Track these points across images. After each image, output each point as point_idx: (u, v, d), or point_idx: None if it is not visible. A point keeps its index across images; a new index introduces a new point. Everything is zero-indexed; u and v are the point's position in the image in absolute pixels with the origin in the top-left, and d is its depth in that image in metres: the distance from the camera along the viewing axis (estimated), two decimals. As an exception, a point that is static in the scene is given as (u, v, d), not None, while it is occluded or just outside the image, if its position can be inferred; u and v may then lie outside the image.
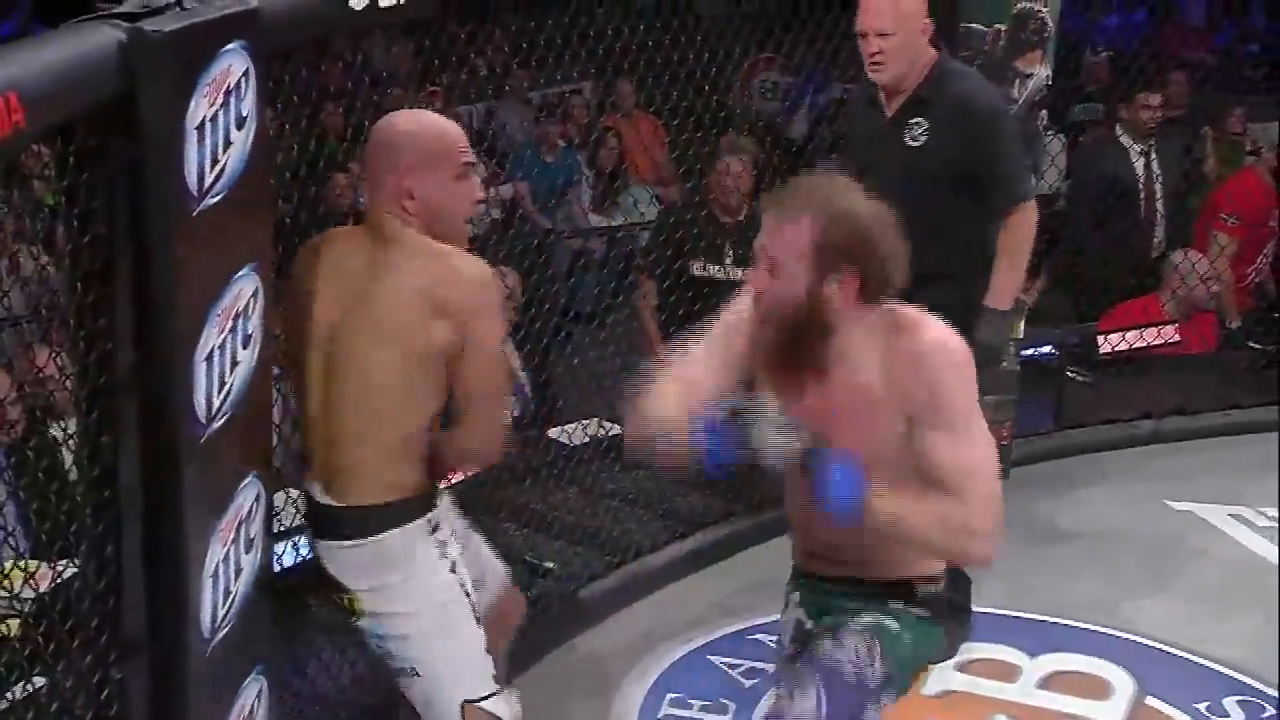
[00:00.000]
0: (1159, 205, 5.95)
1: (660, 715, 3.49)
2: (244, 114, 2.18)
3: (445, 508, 2.64)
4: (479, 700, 2.56)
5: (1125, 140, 5.93)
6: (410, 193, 2.46)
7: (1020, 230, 3.47)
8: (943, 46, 3.61)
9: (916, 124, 3.39)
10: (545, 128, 7.28)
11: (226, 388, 2.26)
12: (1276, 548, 4.36)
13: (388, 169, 2.48)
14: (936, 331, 2.34)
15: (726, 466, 2.22)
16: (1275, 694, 3.60)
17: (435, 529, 2.54)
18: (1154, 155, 5.93)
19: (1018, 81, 4.45)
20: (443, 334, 2.40)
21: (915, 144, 3.39)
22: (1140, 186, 5.91)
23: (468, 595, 2.56)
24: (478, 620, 2.57)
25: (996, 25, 4.37)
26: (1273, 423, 5.14)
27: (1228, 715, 3.54)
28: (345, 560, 2.52)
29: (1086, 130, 6.70)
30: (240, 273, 2.27)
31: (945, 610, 2.51)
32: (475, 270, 2.46)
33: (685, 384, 2.36)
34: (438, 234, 2.48)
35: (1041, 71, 4.48)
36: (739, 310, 2.41)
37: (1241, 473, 4.82)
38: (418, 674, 2.55)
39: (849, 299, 2.26)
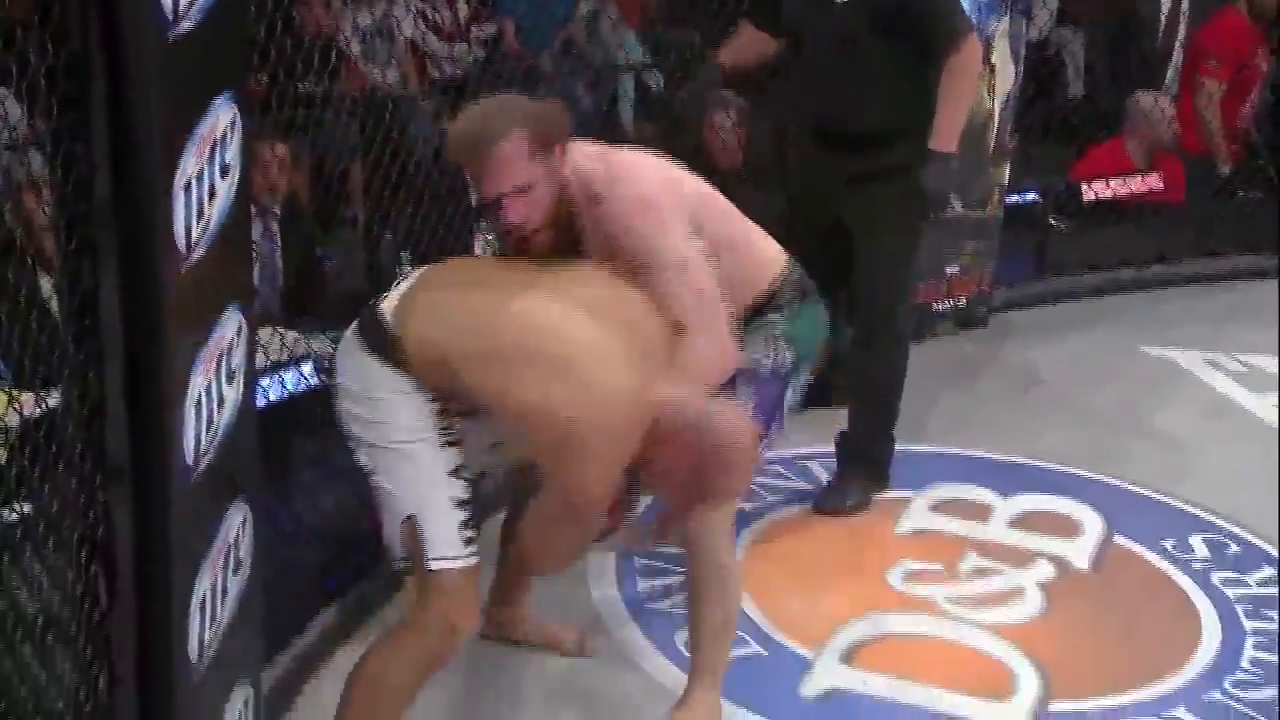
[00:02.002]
0: (1178, 43, 5.88)
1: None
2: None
3: None
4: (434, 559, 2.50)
5: None
6: None
7: (963, 65, 3.35)
8: None
9: None
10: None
11: (205, 218, 2.25)
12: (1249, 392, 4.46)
13: None
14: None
15: None
16: (1240, 532, 3.69)
17: None
18: None
19: None
20: None
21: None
22: (1163, 18, 5.84)
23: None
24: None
25: None
26: (1251, 270, 5.20)
27: (1193, 552, 3.61)
28: None
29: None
30: (217, 100, 2.25)
31: (806, 285, 2.73)
32: None
33: None
34: None
35: None
36: None
37: (1218, 319, 4.89)
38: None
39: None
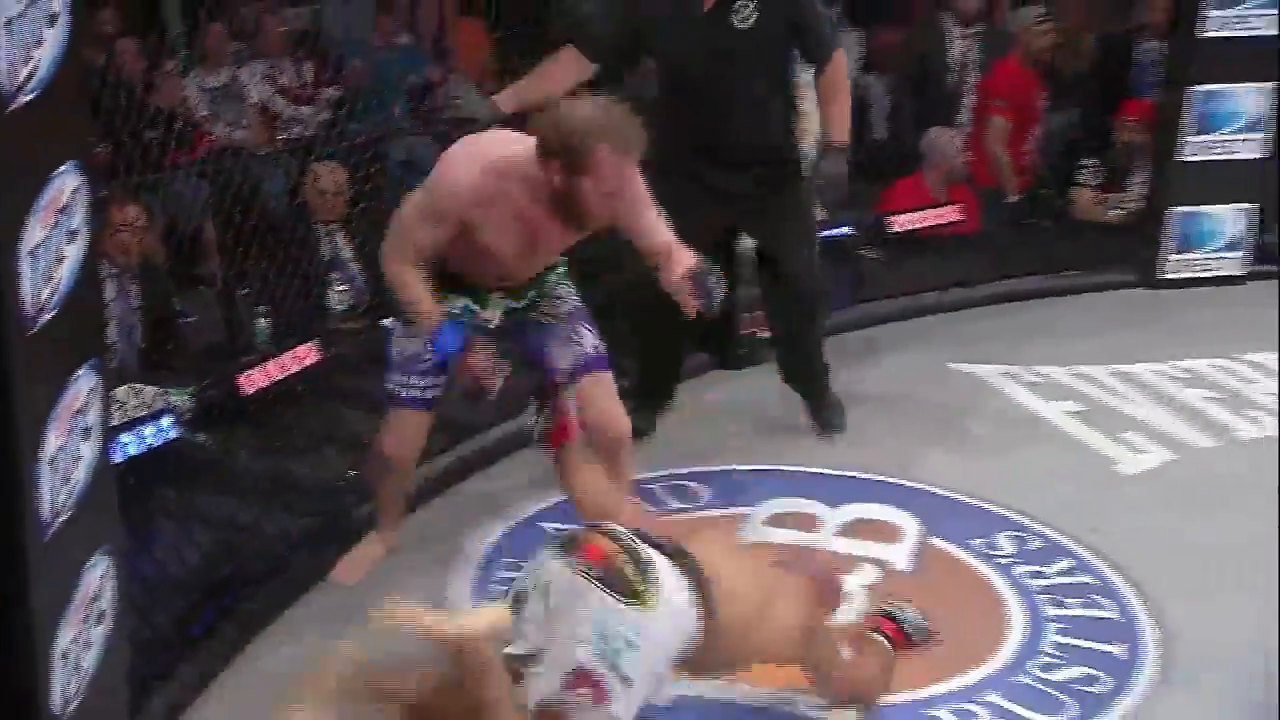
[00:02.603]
0: (965, 94, 6.03)
1: (494, 578, 3.51)
2: (54, 10, 2.10)
3: None
4: None
5: (949, 24, 6.00)
6: None
7: (839, 72, 3.67)
8: None
9: (741, 6, 3.42)
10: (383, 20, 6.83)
11: (54, 281, 2.22)
12: (1044, 401, 4.55)
13: None
14: None
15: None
16: (1039, 528, 3.77)
17: None
18: (975, 41, 6.02)
19: None
20: None
21: (745, 25, 3.43)
22: (954, 68, 6.01)
23: None
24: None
25: None
26: (1041, 290, 5.36)
27: (999, 549, 3.69)
28: None
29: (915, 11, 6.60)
30: (61, 169, 2.21)
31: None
32: None
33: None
34: None
35: None
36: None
37: (1014, 337, 4.99)
38: None
39: None
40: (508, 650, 2.36)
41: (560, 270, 3.30)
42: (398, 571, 3.43)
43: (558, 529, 3.38)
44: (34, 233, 2.13)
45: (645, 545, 2.44)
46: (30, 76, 2.08)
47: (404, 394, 3.26)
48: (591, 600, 2.33)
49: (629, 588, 2.36)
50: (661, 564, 2.42)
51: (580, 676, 2.33)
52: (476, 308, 3.18)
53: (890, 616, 2.92)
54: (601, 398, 3.26)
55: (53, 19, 2.11)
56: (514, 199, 2.97)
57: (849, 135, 3.76)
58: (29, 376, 2.14)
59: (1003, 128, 5.76)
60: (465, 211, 2.97)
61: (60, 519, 2.27)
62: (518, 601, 2.42)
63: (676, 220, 3.29)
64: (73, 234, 2.26)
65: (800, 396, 4.20)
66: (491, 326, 3.19)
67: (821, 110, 3.71)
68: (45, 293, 2.18)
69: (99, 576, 2.44)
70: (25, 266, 2.11)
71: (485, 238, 3.02)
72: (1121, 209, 5.67)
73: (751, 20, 3.43)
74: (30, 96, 2.07)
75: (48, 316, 2.19)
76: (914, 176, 5.47)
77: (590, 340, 3.27)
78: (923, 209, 5.32)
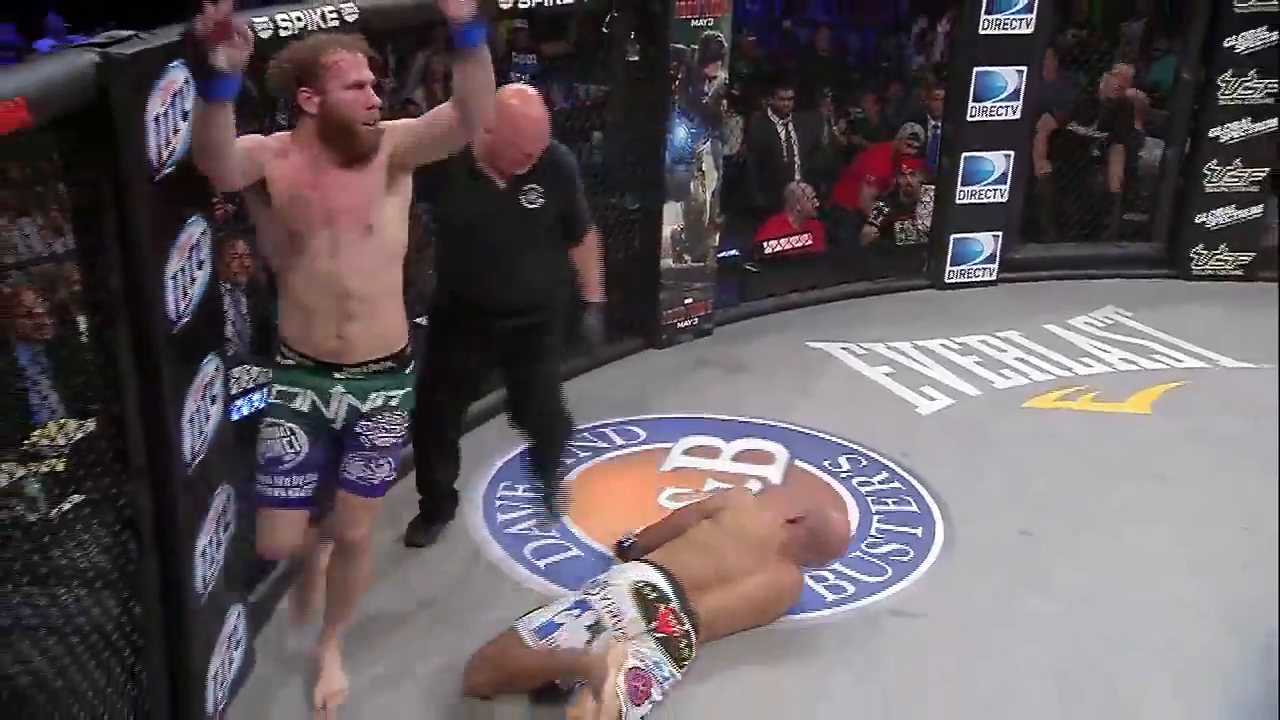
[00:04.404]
0: (795, 160, 5.94)
1: (498, 494, 3.50)
2: (187, 108, 2.09)
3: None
4: None
5: (773, 117, 5.95)
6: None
7: (594, 244, 3.11)
8: None
9: (531, 190, 2.89)
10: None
11: (189, 297, 2.22)
12: (869, 366, 4.56)
13: None
14: None
15: None
16: (866, 451, 3.79)
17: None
18: (792, 128, 5.92)
19: (707, 82, 4.39)
20: None
21: (533, 206, 2.90)
22: (784, 147, 5.93)
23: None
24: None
25: (691, 46, 4.30)
26: (866, 291, 5.35)
27: (841, 466, 3.71)
28: None
29: (753, 112, 6.39)
30: (192, 219, 2.21)
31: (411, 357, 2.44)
32: None
33: None
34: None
35: (721, 74, 4.43)
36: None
37: (848, 323, 4.98)
38: None
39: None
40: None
41: (403, 391, 2.40)
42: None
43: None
44: (174, 263, 2.14)
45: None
46: (170, 156, 2.08)
47: (269, 494, 2.38)
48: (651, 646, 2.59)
49: (679, 655, 2.62)
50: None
51: (638, 676, 2.51)
52: (321, 405, 2.34)
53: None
54: (359, 518, 2.44)
55: (186, 116, 2.10)
56: (296, 166, 2.19)
57: (601, 293, 3.13)
58: (172, 362, 2.15)
59: (871, 194, 5.78)
60: (264, 158, 2.18)
61: (197, 460, 2.27)
62: (593, 628, 2.58)
63: (449, 356, 2.94)
64: (200, 263, 2.26)
65: (542, 480, 3.38)
66: (336, 426, 2.36)
67: (581, 274, 3.09)
68: (183, 305, 2.19)
69: (224, 500, 2.45)
70: (169, 287, 2.12)
71: (294, 223, 2.20)
72: (907, 234, 5.69)
73: (538, 204, 2.89)
74: (169, 170, 2.08)
75: (185, 320, 2.19)
76: (780, 215, 5.47)
77: (385, 473, 2.42)
78: (786, 237, 5.32)
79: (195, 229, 2.22)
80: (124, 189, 1.98)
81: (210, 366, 2.34)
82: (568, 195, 2.97)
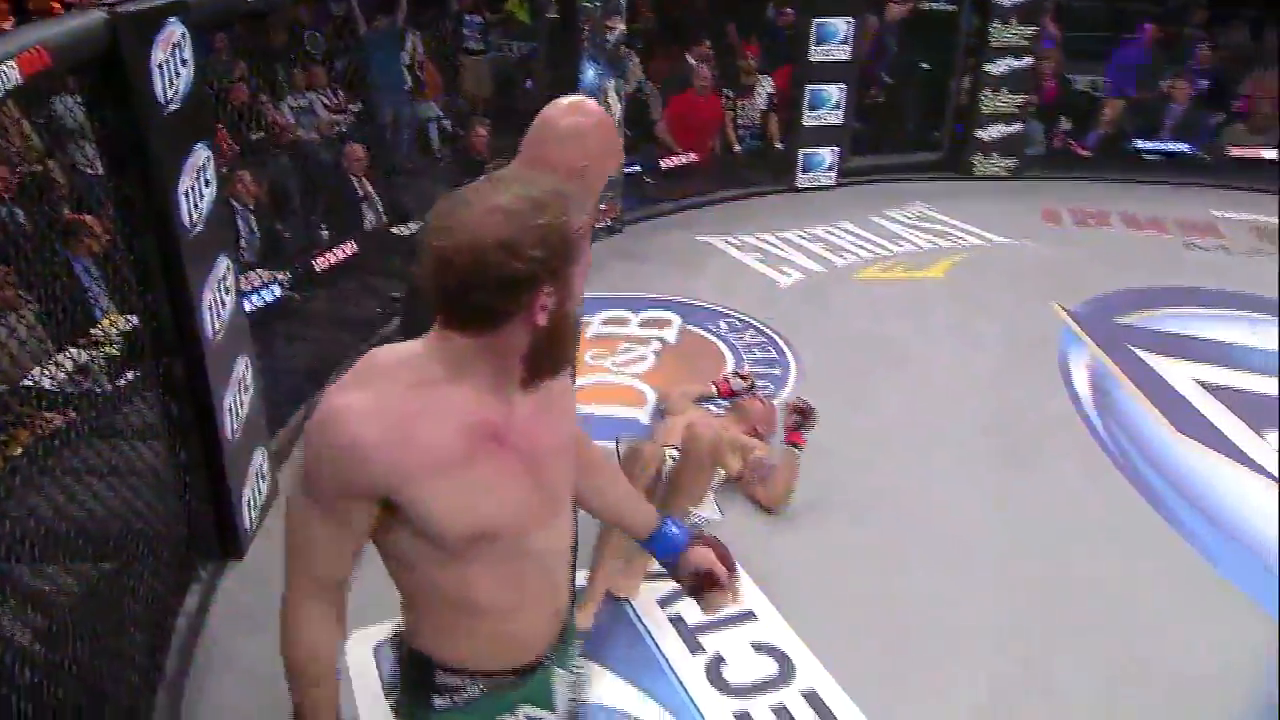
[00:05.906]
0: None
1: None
2: (186, 57, 1.96)
3: None
4: None
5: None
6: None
7: None
8: None
9: None
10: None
11: (199, 209, 2.08)
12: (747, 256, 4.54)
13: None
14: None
15: None
16: (742, 317, 3.80)
17: None
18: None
19: (609, 33, 4.24)
20: None
21: None
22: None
23: None
24: None
25: (595, 4, 4.14)
26: (739, 195, 5.27)
27: (721, 328, 3.72)
28: None
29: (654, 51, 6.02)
30: (197, 146, 2.05)
31: None
32: None
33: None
34: None
35: (620, 26, 4.28)
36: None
37: (726, 221, 4.92)
38: None
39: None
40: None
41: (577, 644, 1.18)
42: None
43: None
44: (185, 181, 2.01)
45: None
46: (175, 95, 1.92)
47: None
48: None
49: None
50: None
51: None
52: (543, 713, 1.10)
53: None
54: None
55: (185, 62, 1.95)
56: (459, 413, 0.97)
57: None
58: (191, 261, 2.05)
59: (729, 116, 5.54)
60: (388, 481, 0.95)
61: (218, 336, 2.19)
62: None
63: None
64: (207, 182, 2.13)
65: None
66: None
67: None
68: (195, 215, 2.06)
69: (243, 367, 2.37)
70: (181, 202, 1.99)
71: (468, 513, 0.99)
72: (748, 116, 5.46)
73: None
74: (176, 106, 1.93)
75: (199, 229, 2.07)
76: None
77: None
78: (678, 155, 5.21)
79: (201, 154, 2.08)
80: (139, 123, 1.87)
81: (222, 265, 2.23)
82: None
